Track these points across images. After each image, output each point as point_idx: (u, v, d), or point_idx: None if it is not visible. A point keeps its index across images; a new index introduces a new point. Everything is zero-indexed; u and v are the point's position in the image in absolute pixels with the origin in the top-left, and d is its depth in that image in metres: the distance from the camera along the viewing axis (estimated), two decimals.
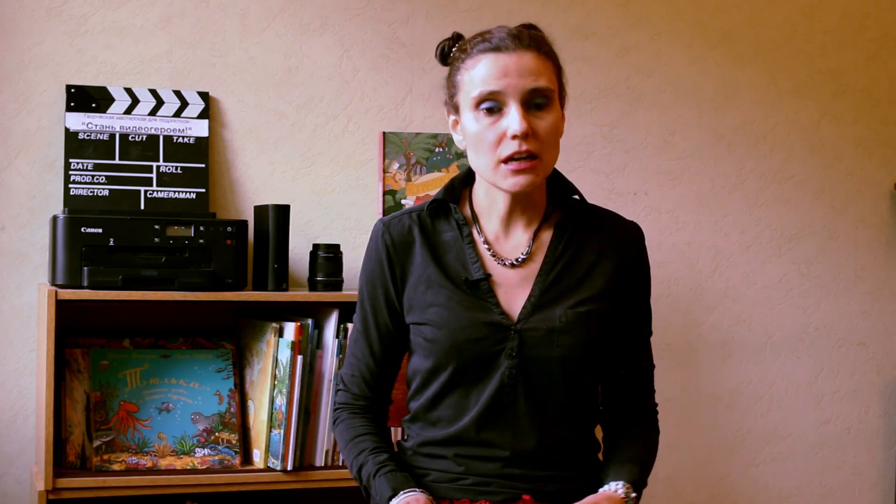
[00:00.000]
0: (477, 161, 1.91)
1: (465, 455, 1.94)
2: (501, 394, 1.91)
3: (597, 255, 1.97)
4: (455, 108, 1.94)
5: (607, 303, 1.95)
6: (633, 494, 1.89)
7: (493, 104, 1.87)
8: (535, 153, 1.86)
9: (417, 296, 1.95)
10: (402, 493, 1.86)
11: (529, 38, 1.89)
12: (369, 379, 2.02)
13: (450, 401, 1.94)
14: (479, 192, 1.98)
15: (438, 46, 1.99)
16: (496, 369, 1.91)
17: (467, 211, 2.00)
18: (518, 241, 1.97)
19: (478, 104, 1.87)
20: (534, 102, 1.87)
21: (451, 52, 1.97)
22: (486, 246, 1.97)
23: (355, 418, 2.02)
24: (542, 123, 1.87)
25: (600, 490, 1.90)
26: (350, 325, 2.30)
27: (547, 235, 1.98)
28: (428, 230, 1.99)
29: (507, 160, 1.86)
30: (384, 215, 2.80)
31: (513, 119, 1.85)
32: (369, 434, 1.99)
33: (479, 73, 1.87)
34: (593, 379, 1.99)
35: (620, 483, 1.90)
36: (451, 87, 1.94)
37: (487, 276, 1.94)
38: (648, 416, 2.05)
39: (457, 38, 1.98)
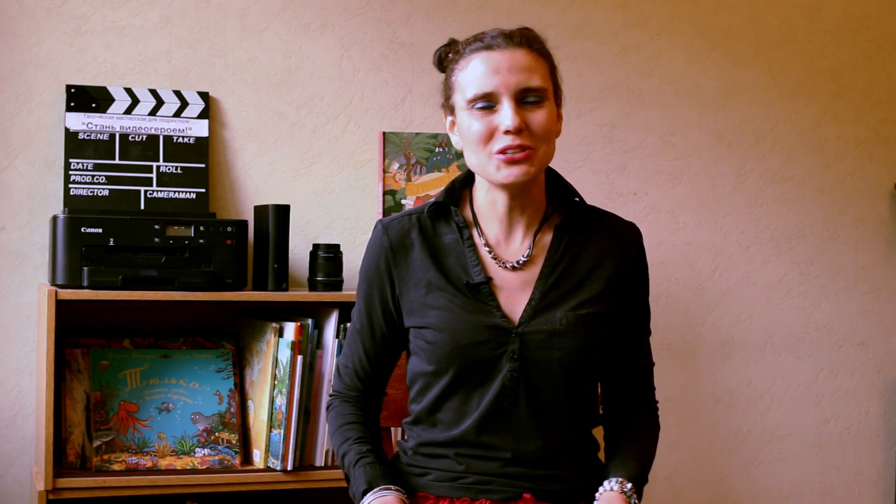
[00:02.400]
0: (472, 157, 1.92)
1: (466, 455, 1.94)
2: (503, 397, 1.91)
3: (596, 257, 1.97)
4: (451, 110, 1.95)
5: (607, 305, 1.95)
6: (630, 485, 1.89)
7: (487, 103, 1.88)
8: (529, 146, 1.87)
9: (417, 299, 1.95)
10: (375, 490, 1.88)
11: (521, 36, 1.90)
12: (361, 374, 2.03)
13: (451, 404, 1.94)
14: (480, 193, 1.98)
15: (435, 53, 2.00)
16: (497, 372, 1.91)
17: (468, 213, 2.00)
18: (518, 243, 1.97)
19: (472, 103, 1.88)
20: (527, 100, 1.88)
21: (448, 56, 1.97)
22: (487, 249, 1.96)
23: (346, 405, 2.03)
24: (535, 118, 1.88)
25: (599, 491, 1.90)
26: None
27: (547, 238, 1.98)
28: (428, 233, 1.98)
29: (500, 152, 1.87)
30: (384, 215, 2.80)
31: (505, 115, 1.86)
32: (356, 423, 2.00)
33: (472, 72, 1.88)
34: (593, 380, 1.99)
35: (615, 480, 1.89)
36: (447, 89, 1.95)
37: (488, 280, 1.94)
38: (650, 412, 2.06)
39: (451, 43, 1.98)
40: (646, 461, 1.98)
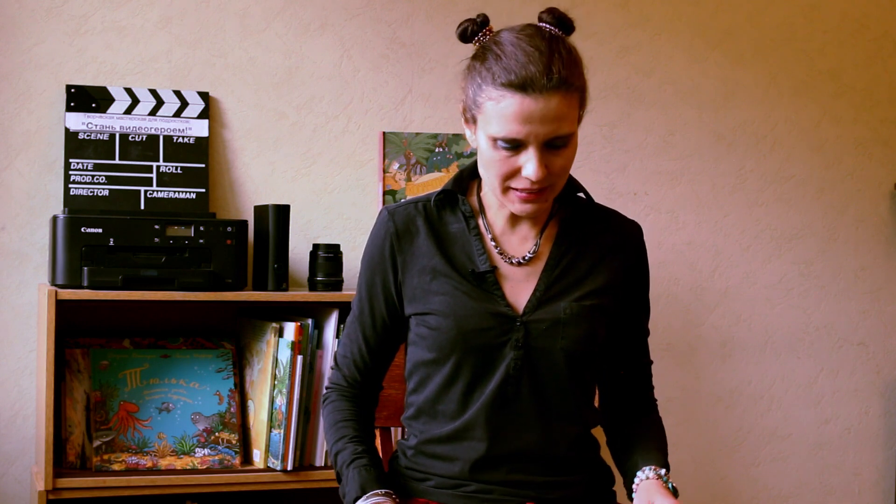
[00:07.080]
0: (487, 177, 1.89)
1: (469, 457, 1.93)
2: (506, 385, 1.90)
3: (600, 252, 1.97)
4: (472, 119, 1.89)
5: (610, 298, 1.96)
6: (664, 471, 1.89)
7: (512, 145, 1.83)
8: (547, 187, 1.86)
9: (421, 286, 1.94)
10: (367, 495, 1.87)
11: (559, 77, 1.80)
12: (360, 364, 2.01)
13: (453, 395, 1.93)
14: (487, 186, 1.98)
15: (461, 26, 1.90)
16: (501, 360, 1.90)
17: (475, 203, 1.99)
18: (524, 237, 1.97)
19: (496, 141, 1.83)
20: (555, 144, 1.83)
21: (476, 37, 1.89)
22: (493, 242, 1.96)
23: (343, 401, 2.01)
24: (558, 161, 1.84)
25: (635, 482, 1.89)
26: None
27: (552, 232, 1.98)
28: (434, 221, 1.98)
29: (517, 190, 1.85)
30: None
31: (530, 164, 1.81)
32: (352, 420, 1.99)
33: (502, 112, 1.81)
34: (594, 376, 2.00)
35: (649, 468, 1.89)
36: (469, 98, 1.87)
37: (494, 269, 1.93)
38: (652, 408, 2.07)
39: (483, 22, 1.90)
40: (665, 452, 1.97)
